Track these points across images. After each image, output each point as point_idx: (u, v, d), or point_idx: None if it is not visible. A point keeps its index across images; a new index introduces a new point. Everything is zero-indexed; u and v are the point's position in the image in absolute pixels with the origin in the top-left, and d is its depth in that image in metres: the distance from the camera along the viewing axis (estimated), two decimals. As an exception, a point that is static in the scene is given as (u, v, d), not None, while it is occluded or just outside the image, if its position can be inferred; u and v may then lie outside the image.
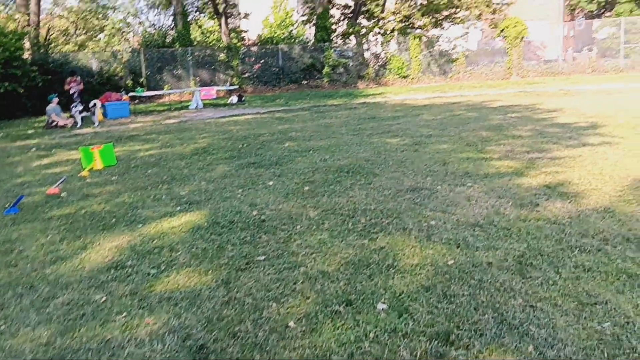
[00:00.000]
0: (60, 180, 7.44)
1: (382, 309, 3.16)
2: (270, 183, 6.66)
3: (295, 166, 7.68)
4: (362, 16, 35.01)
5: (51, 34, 36.30)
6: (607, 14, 40.75)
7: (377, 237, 4.32)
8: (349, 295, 3.37)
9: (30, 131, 14.89)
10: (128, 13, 43.68)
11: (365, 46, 31.00)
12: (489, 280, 3.44)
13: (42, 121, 16.45)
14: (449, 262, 3.77)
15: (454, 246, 4.05)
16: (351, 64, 29.35)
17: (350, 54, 31.05)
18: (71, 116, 15.67)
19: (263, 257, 4.11)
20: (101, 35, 41.68)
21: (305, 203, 5.57)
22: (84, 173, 8.16)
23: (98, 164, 8.64)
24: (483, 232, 4.32)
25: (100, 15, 40.64)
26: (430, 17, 30.81)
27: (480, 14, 29.04)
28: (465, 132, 9.86)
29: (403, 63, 28.07)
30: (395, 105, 17.12)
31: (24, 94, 19.29)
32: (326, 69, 28.21)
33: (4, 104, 19.15)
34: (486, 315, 3.00)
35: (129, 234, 4.94)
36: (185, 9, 29.76)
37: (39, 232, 5.17)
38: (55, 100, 15.33)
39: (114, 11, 40.76)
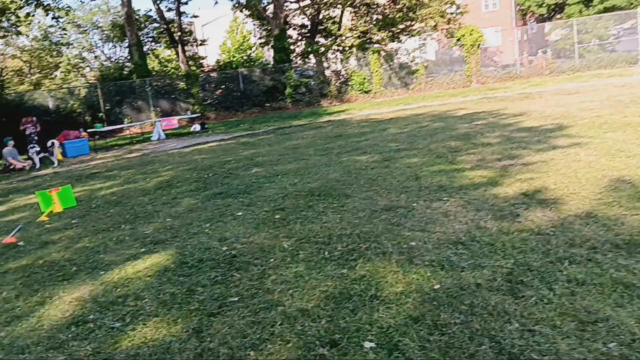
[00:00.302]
0: (17, 229, 6.99)
1: (370, 347, 2.90)
2: (240, 214, 6.36)
3: (265, 193, 7.41)
4: (320, 35, 35.19)
5: (5, 75, 35.42)
6: (558, 16, 41.82)
7: (357, 265, 4.06)
8: (333, 334, 3.10)
9: (-16, 177, 14.27)
10: (83, 48, 43.06)
11: (325, 64, 31.04)
12: (480, 304, 3.22)
13: (0, 165, 15.82)
14: (435, 287, 3.54)
15: (438, 268, 3.83)
16: (313, 83, 29.32)
17: (311, 73, 31.06)
18: (29, 158, 15.12)
19: (237, 298, 3.82)
20: (57, 73, 40.90)
21: (277, 233, 5.29)
22: (43, 217, 7.73)
23: (57, 207, 8.20)
24: (466, 249, 4.11)
25: (55, 53, 39.90)
26: (387, 31, 31.10)
27: (435, 25, 29.42)
28: (434, 144, 9.74)
29: (364, 78, 28.14)
30: (361, 121, 17.02)
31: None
32: (288, 90, 28.09)
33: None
34: (483, 346, 2.77)
35: (90, 284, 4.57)
36: (141, 39, 29.35)
37: (-9, 290, 4.77)
38: (11, 143, 14.77)
39: (67, 47, 40.05)
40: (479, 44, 27.02)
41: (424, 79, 28.37)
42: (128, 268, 4.85)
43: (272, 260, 4.51)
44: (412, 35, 32.96)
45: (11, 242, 6.54)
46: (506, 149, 8.31)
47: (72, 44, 40.76)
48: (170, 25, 34.86)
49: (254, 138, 15.94)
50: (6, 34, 28.05)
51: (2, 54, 37.12)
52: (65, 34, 36.75)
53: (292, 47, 33.20)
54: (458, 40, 27.51)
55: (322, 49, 31.53)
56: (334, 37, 33.42)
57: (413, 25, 32.93)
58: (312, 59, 31.54)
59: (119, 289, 4.33)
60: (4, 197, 10.38)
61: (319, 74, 30.29)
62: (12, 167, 14.51)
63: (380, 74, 28.22)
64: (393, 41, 32.62)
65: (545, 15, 47.44)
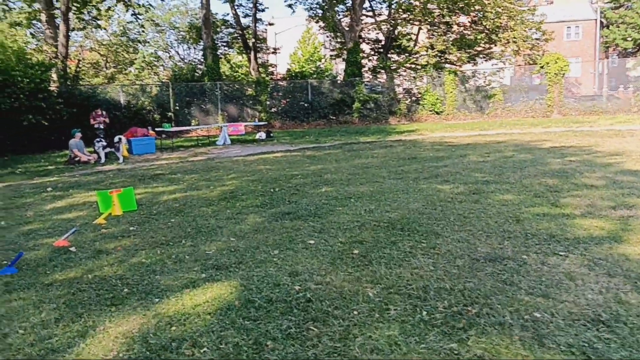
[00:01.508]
0: (71, 231, 6.52)
1: None
2: (311, 242, 5.62)
3: (338, 219, 6.65)
4: (393, 51, 34.43)
5: (81, 67, 36.41)
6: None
7: (469, 339, 3.21)
8: None
9: (50, 167, 14.21)
10: (158, 47, 43.92)
11: (396, 81, 30.21)
12: None
13: (65, 155, 15.82)
14: (582, 387, 2.66)
15: (581, 357, 2.94)
16: (382, 99, 28.52)
17: (381, 89, 30.28)
18: (94, 151, 15.00)
19: (315, 364, 3.06)
20: (131, 69, 41.81)
21: (358, 275, 4.51)
22: (100, 220, 7.26)
23: (117, 210, 7.75)
24: (612, 333, 3.20)
25: (131, 49, 40.81)
26: (464, 51, 29.99)
27: (517, 50, 28.06)
28: (527, 179, 8.73)
29: (437, 98, 27.12)
30: (435, 144, 16.07)
31: (49, 127, 18.79)
32: (356, 104, 27.43)
33: (28, 136, 18.67)
34: None
35: (141, 314, 3.93)
36: (215, 43, 29.41)
37: (32, 306, 4.20)
38: (79, 134, 14.68)
39: (144, 45, 40.91)
40: (563, 73, 25.51)
41: (500, 104, 27.05)
42: (186, 298, 4.18)
43: (355, 312, 3.73)
44: (490, 58, 31.73)
45: (63, 245, 6.06)
46: (616, 194, 7.23)
47: (148, 42, 41.66)
48: (245, 31, 34.96)
49: (320, 152, 15.27)
50: (86, 26, 28.69)
51: (81, 46, 38.25)
52: (143, 31, 37.48)
53: (363, 61, 32.57)
54: (542, 67, 26.06)
55: (395, 65, 30.73)
56: (407, 54, 32.58)
57: (492, 48, 31.70)
58: (383, 75, 30.79)
59: (173, 328, 3.65)
60: (64, 192, 10.08)
61: (389, 90, 29.48)
62: (77, 159, 14.40)
63: (455, 95, 27.13)
64: (469, 62, 31.48)
65: (629, 50, 45.02)
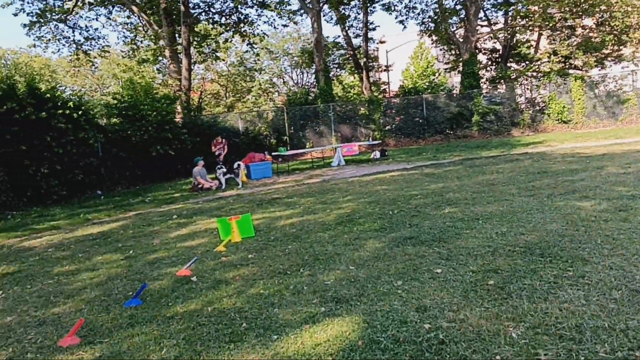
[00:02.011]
0: (192, 261, 6.53)
1: None
2: (438, 271, 5.12)
3: (466, 243, 6.08)
4: (512, 59, 32.79)
5: (203, 98, 38.51)
6: None
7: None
8: None
9: (176, 194, 14.84)
10: (273, 74, 45.45)
11: (517, 91, 28.60)
12: None
13: (189, 183, 16.51)
14: None
15: None
16: (503, 110, 27.08)
17: (501, 100, 28.81)
18: (216, 178, 15.48)
19: None
20: (249, 97, 43.53)
21: (496, 310, 3.95)
22: (220, 248, 7.26)
23: (236, 237, 7.74)
24: None
25: (248, 78, 42.54)
26: (591, 55, 27.78)
27: (654, 48, 25.48)
28: (686, 192, 7.59)
29: (564, 107, 25.25)
30: (566, 155, 14.77)
31: (175, 157, 19.81)
32: (475, 117, 26.29)
33: (156, 166, 19.81)
34: None
35: (260, 353, 3.68)
36: (327, 65, 29.74)
37: (153, 342, 4.11)
38: (201, 162, 15.24)
39: (260, 73, 42.49)
40: None
41: (635, 110, 24.60)
42: (305, 336, 3.88)
43: (498, 358, 3.20)
44: (620, 61, 29.14)
45: (185, 274, 6.06)
46: None
47: (264, 70, 43.22)
48: (356, 51, 35.09)
49: (439, 169, 14.60)
50: (206, 58, 30.25)
51: (203, 78, 40.52)
52: (258, 59, 38.95)
53: (481, 72, 31.31)
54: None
55: (515, 74, 29.18)
56: (528, 61, 30.84)
57: (622, 49, 29.10)
58: (503, 85, 29.32)
59: (292, 371, 3.35)
60: (187, 219, 10.36)
61: (510, 100, 27.95)
62: (200, 186, 14.93)
63: (583, 102, 25.11)
64: (597, 67, 29.10)
65: None
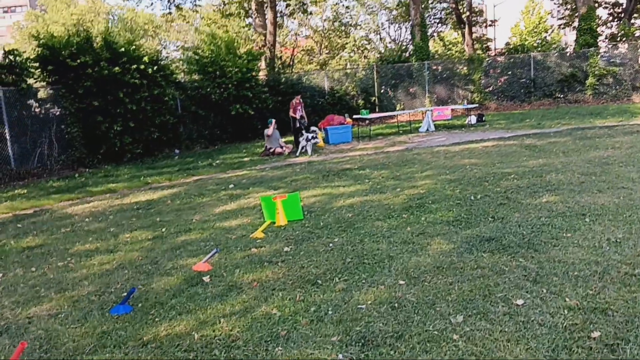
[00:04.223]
0: (212, 253, 5.42)
1: None
2: (519, 302, 3.61)
3: (564, 255, 4.45)
4: (637, 15, 28.62)
5: (295, 54, 37.43)
6: None
7: None
8: None
9: (246, 158, 13.92)
10: (370, 30, 43.39)
11: (643, 50, 24.81)
12: None
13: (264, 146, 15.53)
14: None
15: None
16: (623, 72, 23.58)
17: (622, 60, 25.13)
18: (297, 143, 14.18)
19: None
20: (343, 53, 41.94)
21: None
22: (257, 234, 6.09)
23: (281, 219, 6.55)
24: None
25: (343, 34, 40.86)
26: None
27: None
28: None
29: (702, 68, 21.52)
30: None
31: (255, 116, 18.89)
32: (590, 80, 23.10)
33: (236, 125, 19.05)
34: None
35: None
36: (425, 19, 27.37)
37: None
38: (273, 124, 14.09)
39: (355, 28, 40.67)
40: None
41: None
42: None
43: None
44: None
45: (202, 270, 4.97)
46: None
47: (359, 25, 41.29)
48: (458, 4, 32.27)
49: (542, 140, 12.50)
50: (294, 11, 28.64)
51: (297, 34, 39.28)
52: (349, 13, 37.08)
53: (599, 29, 27.57)
54: None
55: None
56: (659, 16, 26.70)
57: None
58: (625, 44, 25.59)
59: None
60: (243, 190, 9.30)
61: (632, 61, 24.27)
62: (272, 150, 13.88)
63: None
64: None
65: None
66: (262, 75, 21.58)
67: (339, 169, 10.80)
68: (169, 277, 4.85)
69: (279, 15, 29.30)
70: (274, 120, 14.14)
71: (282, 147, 14.06)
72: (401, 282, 4.19)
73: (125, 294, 4.46)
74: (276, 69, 23.40)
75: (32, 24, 46.26)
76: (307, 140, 13.72)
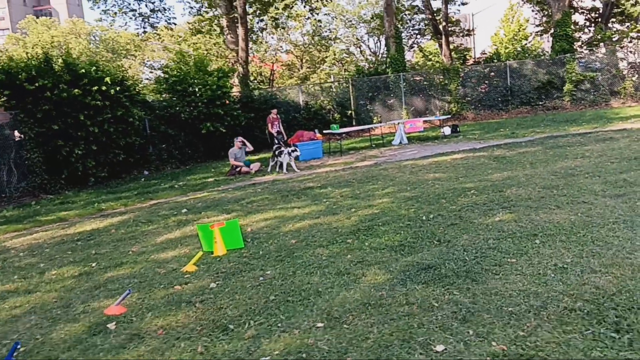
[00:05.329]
0: (125, 294, 4.96)
1: None
2: (439, 349, 3.19)
3: (503, 286, 4.05)
4: (614, 19, 28.62)
5: (276, 70, 37.17)
6: None
7: None
8: None
9: (211, 179, 13.45)
10: (350, 43, 43.30)
11: (619, 54, 24.70)
12: None
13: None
14: None
15: None
16: (601, 77, 23.46)
17: (599, 65, 25.01)
18: (274, 158, 13.67)
19: None
20: (324, 66, 41.75)
21: None
22: (189, 267, 5.65)
23: (220, 249, 6.11)
24: None
25: (323, 47, 40.72)
26: None
27: None
28: None
29: (677, 71, 21.40)
30: (676, 134, 11.85)
31: (228, 134, 18.47)
32: (568, 86, 22.95)
33: (208, 143, 18.63)
34: None
35: None
36: (399, 30, 27.17)
37: None
38: (238, 142, 13.67)
39: (334, 42, 40.53)
40: None
41: None
42: None
43: None
44: None
45: (114, 313, 4.52)
46: None
47: (339, 38, 41.15)
48: (434, 15, 32.17)
49: (513, 150, 12.16)
50: (265, 27, 28.27)
51: (276, 49, 39.04)
52: (328, 27, 36.91)
53: (576, 34, 27.50)
54: None
55: (617, 36, 25.25)
56: (633, 20, 26.66)
57: None
58: (602, 49, 25.50)
59: None
60: (195, 215, 8.85)
61: (610, 66, 24.17)
62: (237, 169, 13.45)
63: None
64: None
65: None
66: (235, 91, 21.21)
67: (301, 187, 10.39)
68: (73, 325, 4.39)
69: (256, 30, 29.05)
70: (239, 137, 13.72)
71: (247, 164, 13.61)
72: (319, 324, 3.76)
73: (20, 347, 4.00)
74: (250, 86, 23.04)
75: (13, 47, 45.75)
76: (289, 154, 13.25)
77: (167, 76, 18.89)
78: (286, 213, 8.03)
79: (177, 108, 17.95)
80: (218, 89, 18.46)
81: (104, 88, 14.88)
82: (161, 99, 18.80)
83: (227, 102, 18.95)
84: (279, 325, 3.85)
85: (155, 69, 24.43)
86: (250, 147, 14.02)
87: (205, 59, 19.40)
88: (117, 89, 15.36)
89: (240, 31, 22.30)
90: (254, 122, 19.44)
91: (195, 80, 18.22)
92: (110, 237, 7.92)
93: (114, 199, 11.71)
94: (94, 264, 6.35)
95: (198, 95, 18.10)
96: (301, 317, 3.93)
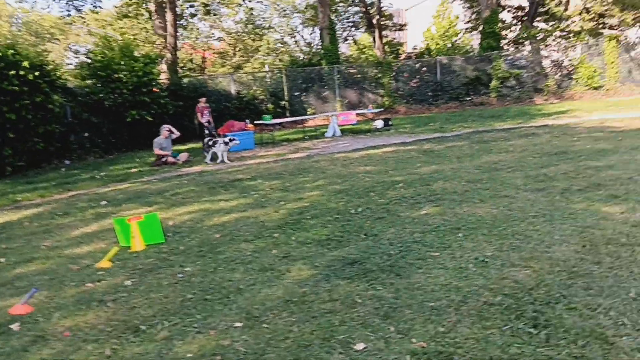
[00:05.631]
0: (30, 293, 4.59)
1: None
2: (359, 347, 3.10)
3: (425, 280, 4.02)
4: (540, 18, 29.73)
5: (207, 58, 36.34)
6: None
7: None
8: None
9: (134, 169, 12.90)
10: (284, 33, 42.89)
11: (543, 53, 25.73)
12: None
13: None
14: None
15: None
16: (525, 74, 24.37)
17: (524, 63, 25.96)
18: (206, 149, 13.23)
19: None
20: (259, 55, 41.17)
21: None
22: (104, 263, 5.32)
23: (138, 244, 5.79)
24: None
25: (257, 36, 40.13)
26: (629, 13, 24.73)
27: None
28: None
29: (594, 71, 22.50)
30: (593, 130, 12.39)
31: (155, 122, 17.79)
32: (494, 82, 23.70)
33: (134, 132, 17.92)
34: None
35: None
36: (334, 22, 27.12)
37: None
38: (165, 131, 13.18)
39: (269, 31, 40.04)
40: None
41: (678, 75, 21.80)
42: None
43: None
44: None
45: (20, 313, 4.18)
46: None
47: (273, 28, 40.69)
48: (368, 8, 32.37)
49: (441, 144, 12.38)
50: (195, 13, 27.40)
51: (209, 36, 38.11)
52: (262, 15, 36.46)
53: (503, 32, 28.39)
54: None
55: (542, 34, 26.27)
56: (557, 20, 27.80)
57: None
58: (527, 47, 26.47)
59: None
60: (115, 207, 8.42)
61: (534, 64, 25.14)
62: (163, 159, 12.98)
63: (617, 66, 22.32)
64: (633, 26, 26.02)
65: None
66: (163, 79, 20.50)
67: (229, 179, 10.12)
68: (-29, 328, 4.01)
69: (186, 16, 28.20)
70: (166, 127, 13.24)
71: (174, 156, 13.16)
72: (237, 324, 3.59)
73: None
74: (179, 73, 22.36)
75: None
76: (226, 144, 12.87)
77: (90, 61, 18.00)
78: (212, 206, 7.77)
79: (101, 95, 17.13)
80: (145, 75, 17.75)
81: (22, 73, 13.94)
82: (84, 85, 17.87)
83: (155, 89, 18.29)
84: (195, 325, 3.64)
85: (80, 54, 23.20)
86: (177, 134, 13.57)
87: (132, 45, 18.62)
88: (37, 73, 14.42)
89: (169, 16, 21.55)
90: (182, 110, 18.85)
91: (121, 66, 17.44)
92: (23, 230, 7.41)
93: (30, 190, 11.00)
94: (2, 259, 5.90)
95: (124, 81, 17.34)
96: (219, 317, 3.74)
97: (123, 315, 3.96)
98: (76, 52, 28.41)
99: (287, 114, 22.74)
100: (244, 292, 4.17)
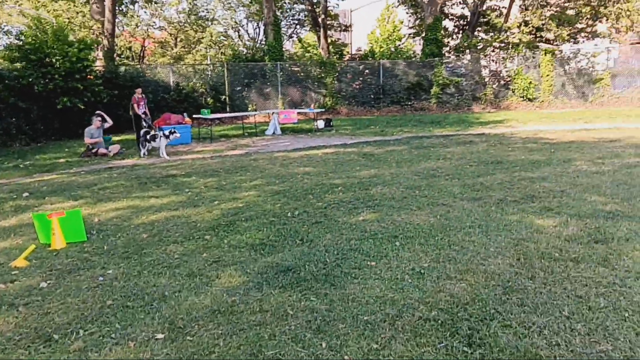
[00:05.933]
0: None
1: None
2: (289, 365, 2.93)
3: (360, 292, 3.89)
4: (480, 28, 30.58)
5: (146, 46, 35.22)
6: None
7: None
8: None
9: (62, 159, 12.23)
10: (228, 26, 42.14)
11: (483, 62, 26.43)
12: None
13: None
14: None
15: None
16: (465, 83, 24.93)
17: (464, 71, 26.57)
18: (143, 143, 12.62)
19: None
20: (200, 47, 40.24)
21: None
22: (20, 261, 4.91)
23: (58, 241, 5.39)
24: None
25: (199, 28, 39.19)
26: (564, 28, 25.77)
27: (631, 25, 23.58)
28: (682, 215, 5.56)
29: (530, 82, 23.29)
30: (528, 140, 12.75)
31: (88, 110, 16.97)
32: (435, 89, 24.10)
33: (65, 120, 17.04)
34: None
35: None
36: (279, 19, 26.81)
37: None
38: (97, 121, 12.56)
39: (212, 23, 39.20)
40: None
41: (607, 91, 22.84)
42: None
43: None
44: (594, 37, 27.28)
45: None
46: None
47: (217, 20, 39.89)
48: (314, 7, 32.26)
49: (381, 148, 12.41)
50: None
51: (149, 24, 36.90)
52: (205, 7, 35.65)
53: (445, 39, 28.99)
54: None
55: (482, 44, 26.99)
56: (497, 31, 28.65)
57: (597, 25, 27.20)
58: (467, 56, 27.11)
59: None
60: (38, 199, 7.89)
61: (473, 73, 25.77)
62: (94, 150, 12.36)
63: (552, 79, 23.18)
64: (569, 41, 27.18)
65: None
66: (98, 65, 19.62)
67: (162, 175, 9.73)
68: None
69: (126, 2, 27.15)
70: (97, 116, 12.61)
71: (106, 147, 12.57)
72: (159, 335, 3.34)
73: None
74: (116, 61, 21.46)
75: None
76: (166, 137, 12.34)
77: (21, 43, 16.98)
78: (142, 203, 7.40)
79: (31, 79, 16.17)
80: (79, 61, 16.91)
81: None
82: (13, 68, 16.83)
83: (90, 76, 17.47)
84: (113, 335, 3.36)
85: (11, 35, 21.92)
86: (110, 122, 12.93)
87: (66, 28, 17.70)
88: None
89: (107, 1, 20.63)
90: (117, 99, 18.07)
91: (54, 51, 16.54)
92: None
93: (-57, 178, 10.21)
94: None
95: (56, 67, 16.45)
96: (140, 326, 3.48)
97: (35, 321, 3.62)
98: (7, 32, 26.76)
99: (228, 109, 22.30)
100: (168, 300, 3.92)
